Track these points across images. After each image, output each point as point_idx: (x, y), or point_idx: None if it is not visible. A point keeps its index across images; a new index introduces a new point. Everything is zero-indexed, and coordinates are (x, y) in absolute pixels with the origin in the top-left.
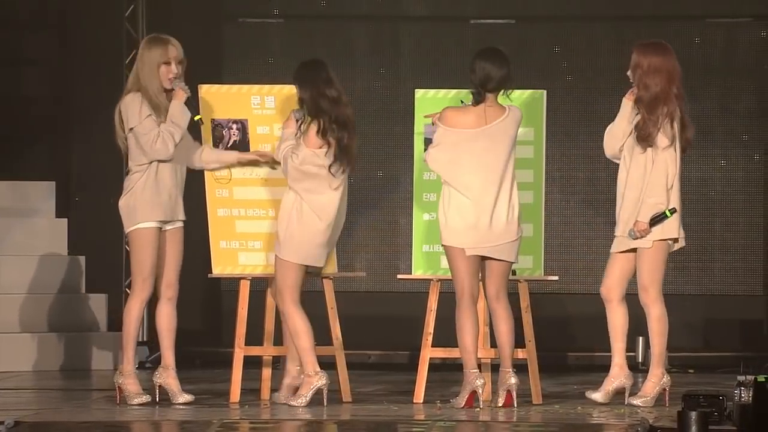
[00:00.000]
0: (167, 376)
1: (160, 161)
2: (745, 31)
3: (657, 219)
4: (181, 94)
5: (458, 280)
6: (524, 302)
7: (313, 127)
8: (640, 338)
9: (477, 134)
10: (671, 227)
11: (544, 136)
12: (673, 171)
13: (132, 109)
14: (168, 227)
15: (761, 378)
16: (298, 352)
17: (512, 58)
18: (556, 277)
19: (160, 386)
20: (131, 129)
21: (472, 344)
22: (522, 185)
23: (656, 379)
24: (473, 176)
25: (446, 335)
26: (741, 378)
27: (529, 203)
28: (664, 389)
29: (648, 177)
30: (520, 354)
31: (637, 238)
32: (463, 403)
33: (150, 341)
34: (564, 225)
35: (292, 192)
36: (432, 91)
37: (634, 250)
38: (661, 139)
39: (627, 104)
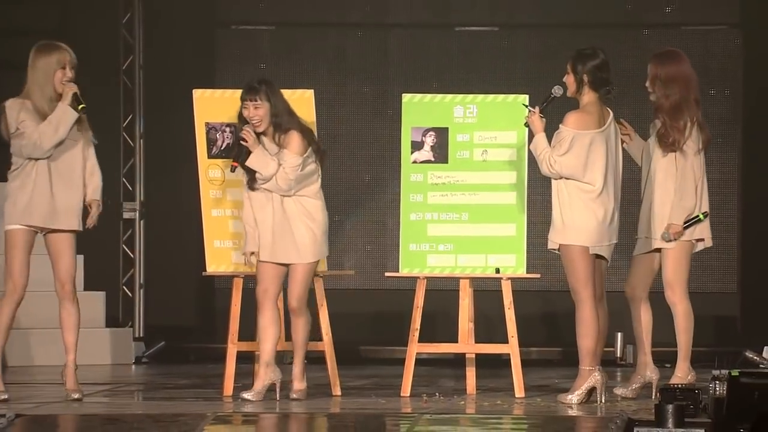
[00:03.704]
0: (67, 373)
1: (36, 164)
2: (720, 39)
3: (691, 222)
4: (67, 92)
5: (584, 278)
6: (507, 299)
7: (295, 135)
8: (619, 334)
9: (602, 135)
10: (697, 227)
11: (526, 139)
12: (699, 174)
13: (10, 114)
14: (50, 233)
15: (735, 372)
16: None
17: (495, 64)
18: (538, 275)
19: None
20: (12, 133)
21: (593, 344)
22: (505, 186)
23: (682, 374)
24: (601, 176)
25: (432, 331)
26: (716, 372)
27: (512, 204)
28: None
29: (677, 181)
30: (504, 349)
31: (671, 241)
32: (580, 400)
33: (146, 337)
34: (545, 225)
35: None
36: (419, 96)
37: (657, 249)
38: (690, 145)
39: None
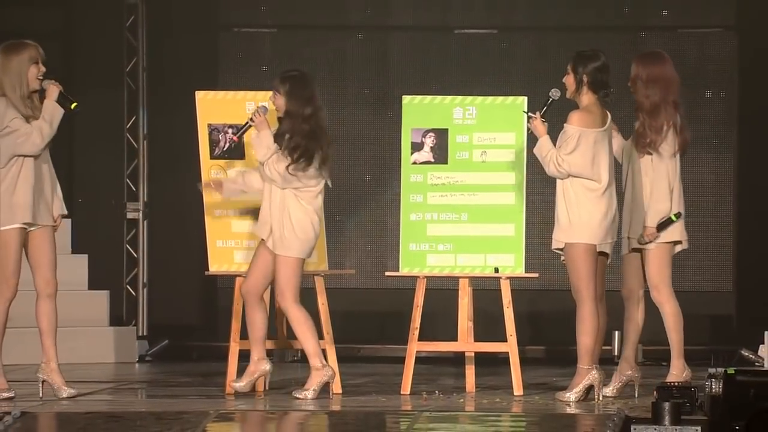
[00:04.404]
0: (50, 371)
1: (23, 162)
2: (716, 42)
3: (664, 223)
4: (53, 90)
5: (587, 277)
6: (506, 298)
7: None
8: (616, 332)
9: (605, 133)
10: (674, 230)
11: (525, 140)
12: (673, 177)
13: None
14: (33, 228)
15: (731, 370)
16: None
17: (494, 66)
18: (536, 275)
19: (44, 381)
20: None
21: (592, 342)
22: (504, 187)
23: (678, 372)
24: (606, 173)
25: (432, 330)
26: (711, 370)
27: (510, 204)
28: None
29: (652, 183)
30: (503, 347)
31: (646, 243)
32: (578, 398)
33: (150, 335)
34: (544, 225)
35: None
36: (418, 97)
37: (637, 249)
38: (665, 148)
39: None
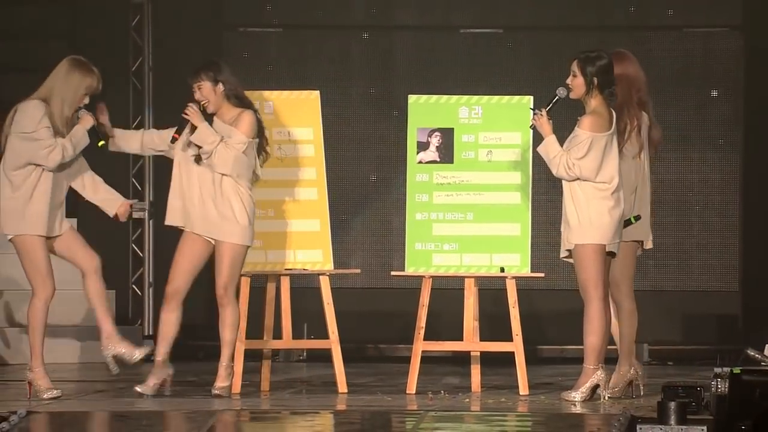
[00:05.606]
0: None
1: (42, 174)
2: (722, 41)
3: (623, 224)
4: (88, 120)
5: (596, 277)
6: (512, 298)
7: (250, 116)
8: None
9: (613, 136)
10: (634, 230)
11: (531, 140)
12: (637, 177)
13: (33, 115)
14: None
15: (736, 370)
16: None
17: (500, 66)
18: (542, 275)
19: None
20: (25, 133)
21: (599, 342)
22: (509, 186)
23: (624, 371)
24: (616, 174)
25: (437, 329)
26: (717, 370)
27: (516, 204)
28: (631, 381)
29: None
30: (508, 347)
31: None
32: (584, 397)
33: (156, 335)
34: (550, 224)
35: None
36: (424, 97)
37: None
38: (628, 149)
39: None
